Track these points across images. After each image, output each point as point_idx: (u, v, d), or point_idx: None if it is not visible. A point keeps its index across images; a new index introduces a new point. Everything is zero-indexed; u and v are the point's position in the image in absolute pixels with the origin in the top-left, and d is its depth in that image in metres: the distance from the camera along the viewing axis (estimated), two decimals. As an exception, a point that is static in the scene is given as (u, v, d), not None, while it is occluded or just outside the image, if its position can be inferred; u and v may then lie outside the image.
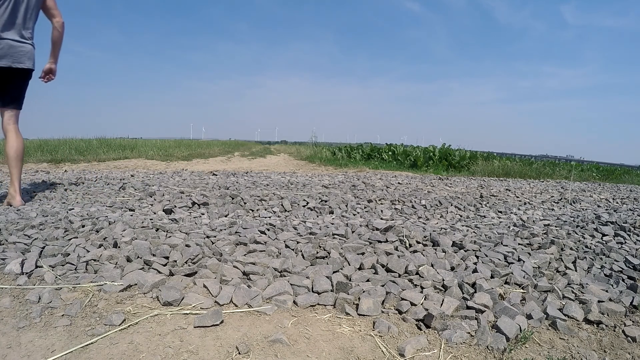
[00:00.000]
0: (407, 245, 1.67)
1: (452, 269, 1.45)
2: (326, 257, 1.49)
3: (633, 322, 1.12)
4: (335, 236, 1.78)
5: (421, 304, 1.14)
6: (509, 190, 4.36)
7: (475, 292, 1.22)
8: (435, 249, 1.64)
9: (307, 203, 2.74)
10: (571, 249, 1.75)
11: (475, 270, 1.39)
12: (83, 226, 1.79)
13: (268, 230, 1.84)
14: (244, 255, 1.48)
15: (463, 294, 1.21)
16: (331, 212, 2.58)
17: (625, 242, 1.94)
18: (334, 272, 1.34)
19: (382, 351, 0.93)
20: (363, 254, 1.53)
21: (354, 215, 2.54)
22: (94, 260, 1.37)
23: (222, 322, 1.01)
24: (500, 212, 2.93)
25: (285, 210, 2.57)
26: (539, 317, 1.10)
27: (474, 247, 1.66)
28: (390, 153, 11.15)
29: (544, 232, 2.03)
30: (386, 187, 4.03)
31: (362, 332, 1.02)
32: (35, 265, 1.32)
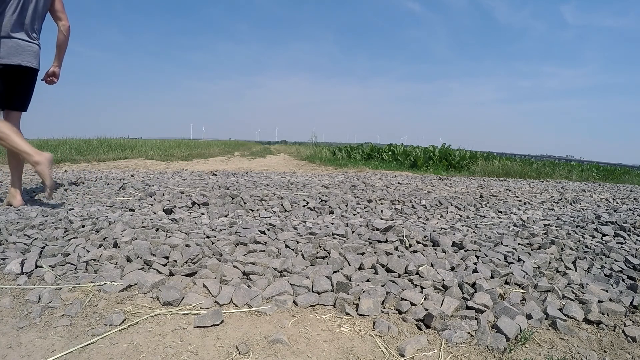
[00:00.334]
0: (407, 245, 1.67)
1: (452, 269, 1.45)
2: (326, 257, 1.49)
3: (633, 322, 1.12)
4: (335, 236, 1.78)
5: (421, 304, 1.14)
6: (509, 190, 4.36)
7: (475, 292, 1.22)
8: (435, 249, 1.64)
9: (307, 203, 2.74)
10: (571, 249, 1.75)
11: (475, 270, 1.39)
12: (83, 226, 1.79)
13: (268, 230, 1.84)
14: (244, 255, 1.48)
15: (463, 294, 1.21)
16: (331, 212, 2.58)
17: (625, 242, 1.94)
18: (334, 272, 1.34)
19: (382, 351, 0.93)
20: (363, 254, 1.53)
21: (354, 215, 2.54)
22: (94, 260, 1.37)
23: (222, 322, 1.01)
24: (500, 212, 2.93)
25: (285, 210, 2.57)
26: (539, 317, 1.10)
27: (474, 247, 1.66)
28: (390, 153, 11.15)
29: (544, 232, 2.03)
30: (386, 187, 4.03)
31: (362, 332, 1.02)
32: (35, 265, 1.32)
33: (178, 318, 1.03)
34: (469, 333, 1.01)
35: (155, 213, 2.30)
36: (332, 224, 2.11)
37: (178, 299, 1.11)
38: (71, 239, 1.60)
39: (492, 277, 1.37)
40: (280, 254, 1.51)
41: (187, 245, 1.51)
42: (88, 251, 1.45)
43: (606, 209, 3.27)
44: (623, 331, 1.07)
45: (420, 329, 1.04)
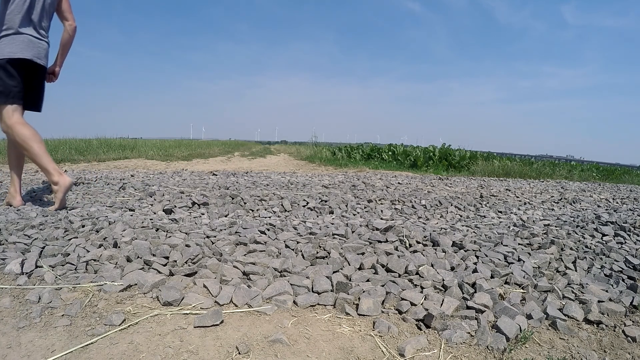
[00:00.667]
0: (407, 245, 1.67)
1: (452, 269, 1.45)
2: (326, 257, 1.49)
3: (633, 322, 1.12)
4: (335, 236, 1.78)
5: (421, 304, 1.14)
6: (509, 190, 4.36)
7: (475, 292, 1.22)
8: (435, 249, 1.64)
9: (307, 203, 2.74)
10: (571, 249, 1.75)
11: (475, 270, 1.39)
12: (83, 226, 1.79)
13: (268, 230, 1.84)
14: (244, 255, 1.48)
15: (463, 294, 1.21)
16: (331, 212, 2.58)
17: (625, 242, 1.94)
18: (334, 272, 1.34)
19: (382, 351, 0.93)
20: (363, 254, 1.53)
21: (354, 215, 2.54)
22: (94, 260, 1.37)
23: (222, 322, 1.01)
24: (500, 212, 2.93)
25: (285, 210, 2.57)
26: (539, 317, 1.10)
27: (474, 247, 1.66)
28: (390, 153, 11.15)
29: (544, 232, 2.03)
30: (386, 187, 4.03)
31: (362, 332, 1.02)
32: (35, 265, 1.32)
33: (178, 318, 1.03)
34: (469, 333, 1.01)
35: (155, 213, 2.30)
36: (332, 224, 2.11)
37: (178, 299, 1.11)
38: (71, 239, 1.60)
39: (492, 277, 1.37)
40: (280, 254, 1.51)
41: (187, 245, 1.51)
42: (88, 251, 1.45)
43: (606, 209, 3.27)
44: (623, 331, 1.07)
45: (420, 329, 1.04)
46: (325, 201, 2.85)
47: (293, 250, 1.56)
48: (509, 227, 2.25)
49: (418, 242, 1.73)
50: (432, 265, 1.43)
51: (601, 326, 1.09)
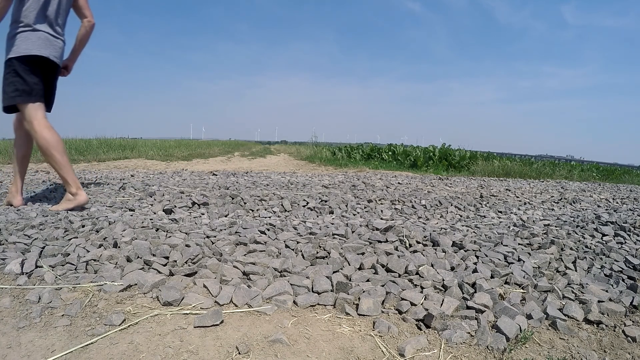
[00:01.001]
0: (407, 245, 1.67)
1: (452, 269, 1.45)
2: (326, 257, 1.49)
3: (633, 322, 1.12)
4: (335, 236, 1.78)
5: (421, 304, 1.14)
6: (509, 190, 4.36)
7: (475, 292, 1.22)
8: (435, 249, 1.64)
9: (307, 203, 2.74)
10: (571, 249, 1.75)
11: (475, 270, 1.39)
12: (83, 226, 1.79)
13: (268, 230, 1.84)
14: (244, 255, 1.48)
15: (463, 294, 1.21)
16: (331, 212, 2.58)
17: (625, 242, 1.94)
18: (334, 272, 1.34)
19: (382, 351, 0.93)
20: (363, 254, 1.53)
21: (354, 215, 2.54)
22: (94, 260, 1.37)
23: (222, 322, 1.01)
24: (500, 212, 2.93)
25: (285, 210, 2.57)
26: (539, 317, 1.10)
27: (474, 247, 1.66)
28: (390, 153, 11.15)
29: (544, 232, 2.03)
30: (386, 187, 4.03)
31: (362, 332, 1.02)
32: (35, 265, 1.32)
33: (178, 318, 1.03)
34: (469, 333, 1.01)
35: (155, 213, 2.30)
36: (332, 224, 2.11)
37: (178, 299, 1.11)
38: (71, 239, 1.60)
39: (492, 277, 1.37)
40: (280, 254, 1.51)
41: (187, 245, 1.51)
42: (88, 251, 1.45)
43: (606, 209, 3.27)
44: (623, 331, 1.07)
45: (420, 329, 1.04)
46: (325, 201, 2.85)
47: (293, 250, 1.56)
48: (509, 227, 2.25)
49: (418, 242, 1.73)
50: (432, 265, 1.43)
51: (601, 326, 1.09)
